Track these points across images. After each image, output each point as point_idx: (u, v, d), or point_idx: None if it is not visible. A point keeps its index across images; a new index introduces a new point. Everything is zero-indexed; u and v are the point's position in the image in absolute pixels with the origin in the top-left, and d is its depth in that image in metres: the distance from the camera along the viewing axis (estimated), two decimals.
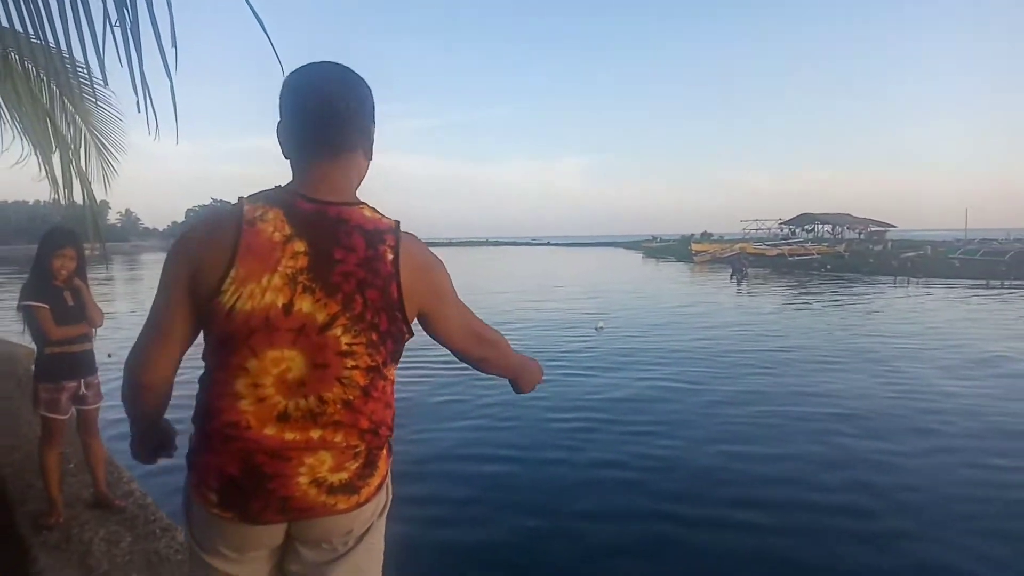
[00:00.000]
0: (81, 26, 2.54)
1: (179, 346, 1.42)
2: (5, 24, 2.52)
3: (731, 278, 34.65)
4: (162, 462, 1.71)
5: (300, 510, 1.41)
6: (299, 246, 1.36)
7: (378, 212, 1.48)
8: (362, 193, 1.55)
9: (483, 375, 1.96)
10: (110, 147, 5.90)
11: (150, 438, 1.59)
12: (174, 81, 2.65)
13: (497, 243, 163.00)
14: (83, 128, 5.49)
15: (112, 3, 2.54)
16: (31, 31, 2.55)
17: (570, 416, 8.18)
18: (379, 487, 1.52)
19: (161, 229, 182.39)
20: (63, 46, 2.56)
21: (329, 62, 1.47)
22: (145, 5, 2.61)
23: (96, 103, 5.05)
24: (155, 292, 1.42)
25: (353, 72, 1.47)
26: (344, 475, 1.43)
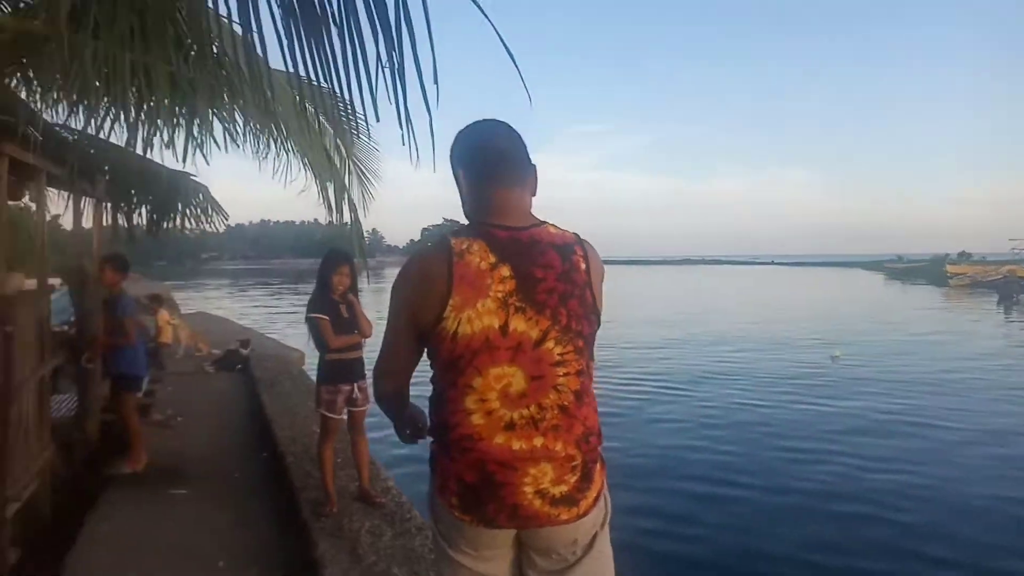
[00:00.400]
0: (359, 70, 2.94)
1: (409, 363, 1.67)
2: (303, 75, 2.97)
3: (998, 305, 30.00)
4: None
5: (527, 518, 1.54)
6: (505, 271, 1.53)
7: (559, 227, 1.65)
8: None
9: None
10: (369, 175, 6.68)
11: (405, 424, 1.75)
12: (433, 115, 2.98)
13: (715, 262, 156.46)
14: (347, 158, 6.26)
15: (383, 48, 2.92)
16: (321, 80, 2.99)
17: (798, 445, 7.70)
18: (597, 499, 1.61)
19: (400, 247, 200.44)
20: (344, 90, 2.98)
21: (490, 119, 1.73)
22: (410, 47, 2.96)
23: (365, 138, 5.75)
24: (387, 317, 1.66)
25: (508, 124, 1.71)
26: (564, 488, 1.54)
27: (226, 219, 6.82)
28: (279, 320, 22.19)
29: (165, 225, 6.26)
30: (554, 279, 1.54)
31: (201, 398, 8.15)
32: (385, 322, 1.66)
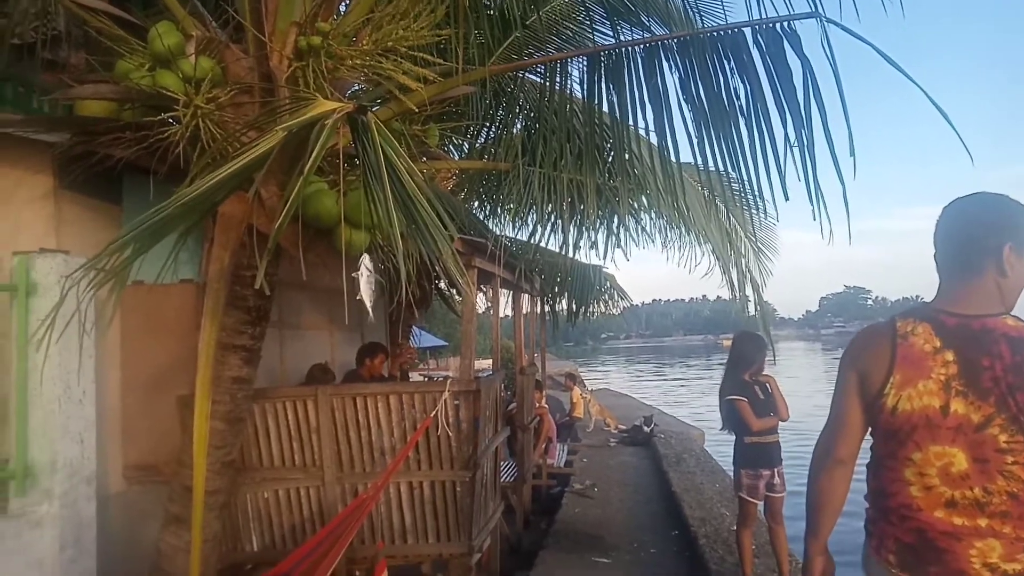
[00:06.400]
0: (766, 154, 3.00)
1: (855, 433, 1.71)
2: (711, 167, 3.14)
3: None
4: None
5: None
6: (948, 356, 1.57)
7: (1021, 320, 1.62)
8: None
9: None
10: (765, 250, 6.57)
11: (817, 564, 1.78)
12: (846, 187, 2.86)
13: None
14: (743, 235, 6.27)
15: (792, 128, 2.93)
16: (729, 168, 3.12)
17: None
18: None
19: (796, 319, 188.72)
20: (752, 175, 3.05)
21: (978, 193, 1.71)
22: (821, 124, 2.92)
23: (762, 215, 5.73)
24: (832, 391, 1.76)
25: (996, 198, 1.68)
26: (1017, 566, 1.51)
27: (630, 303, 7.38)
28: (673, 395, 22.65)
29: (583, 312, 7.07)
30: (1001, 369, 1.53)
31: (612, 470, 8.71)
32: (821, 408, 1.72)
